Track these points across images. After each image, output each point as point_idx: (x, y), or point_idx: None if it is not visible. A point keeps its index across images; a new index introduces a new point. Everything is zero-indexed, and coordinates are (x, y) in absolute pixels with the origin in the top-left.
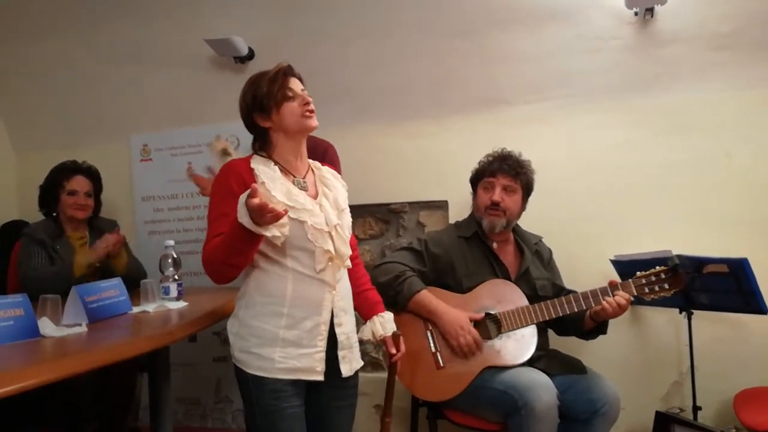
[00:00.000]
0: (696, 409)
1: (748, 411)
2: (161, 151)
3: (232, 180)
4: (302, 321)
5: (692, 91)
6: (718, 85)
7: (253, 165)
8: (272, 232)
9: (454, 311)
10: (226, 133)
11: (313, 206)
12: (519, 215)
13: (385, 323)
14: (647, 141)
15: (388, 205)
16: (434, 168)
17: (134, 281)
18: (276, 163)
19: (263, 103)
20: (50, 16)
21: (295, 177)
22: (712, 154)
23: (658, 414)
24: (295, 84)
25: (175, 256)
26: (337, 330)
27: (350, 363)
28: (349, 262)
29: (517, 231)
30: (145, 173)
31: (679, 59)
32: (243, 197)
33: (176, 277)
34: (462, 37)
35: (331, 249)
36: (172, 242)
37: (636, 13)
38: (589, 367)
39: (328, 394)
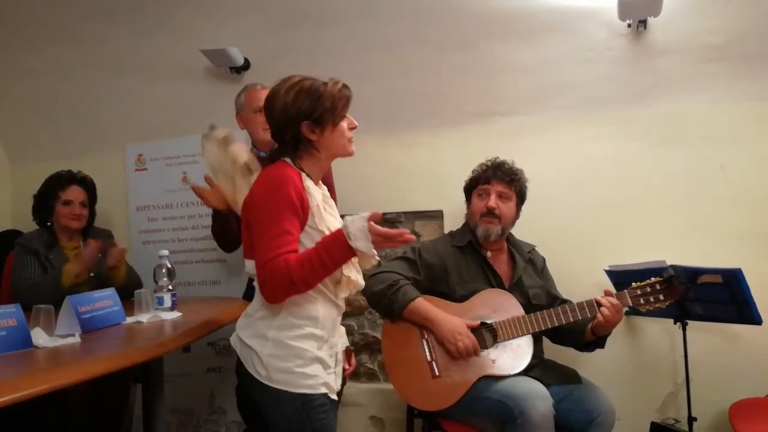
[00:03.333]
0: (691, 419)
1: (743, 422)
2: (156, 161)
3: (293, 192)
4: (327, 341)
5: (686, 102)
6: (712, 97)
7: (306, 183)
8: (377, 258)
9: (451, 318)
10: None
11: None
12: (513, 223)
13: (342, 336)
14: (641, 152)
15: (383, 215)
16: (429, 178)
17: (130, 291)
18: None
19: (322, 116)
20: (45, 27)
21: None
22: (707, 165)
23: (653, 425)
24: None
25: (169, 266)
26: (336, 349)
27: (339, 377)
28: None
29: (510, 240)
30: (140, 183)
31: (672, 71)
32: (362, 222)
33: (170, 287)
34: (457, 50)
35: (353, 276)
36: (166, 252)
37: (629, 25)
38: (585, 377)
39: None
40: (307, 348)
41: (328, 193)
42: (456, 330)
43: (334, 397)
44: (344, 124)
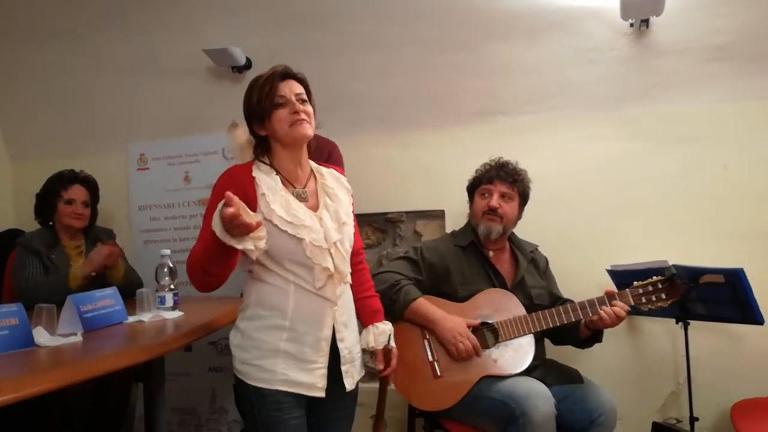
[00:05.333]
0: (693, 419)
1: (745, 422)
2: (158, 161)
3: (231, 188)
4: (304, 335)
5: (688, 102)
6: (714, 96)
7: (254, 174)
8: (245, 244)
9: (452, 317)
10: (223, 143)
11: (312, 221)
12: (515, 223)
13: (378, 335)
14: (644, 151)
15: (385, 214)
16: (431, 178)
17: (131, 291)
18: (277, 172)
19: (255, 111)
20: (48, 25)
21: (295, 188)
22: (709, 165)
23: (654, 424)
24: (287, 88)
25: (171, 265)
26: (340, 345)
27: (352, 376)
28: (349, 278)
29: (512, 239)
30: (142, 182)
31: (674, 70)
32: (220, 205)
33: (172, 286)
34: (459, 49)
35: (330, 266)
36: (168, 251)
37: (631, 25)
38: (586, 377)
39: (329, 406)
40: (267, 339)
41: (329, 183)
42: (456, 330)
43: (312, 393)
44: (283, 110)
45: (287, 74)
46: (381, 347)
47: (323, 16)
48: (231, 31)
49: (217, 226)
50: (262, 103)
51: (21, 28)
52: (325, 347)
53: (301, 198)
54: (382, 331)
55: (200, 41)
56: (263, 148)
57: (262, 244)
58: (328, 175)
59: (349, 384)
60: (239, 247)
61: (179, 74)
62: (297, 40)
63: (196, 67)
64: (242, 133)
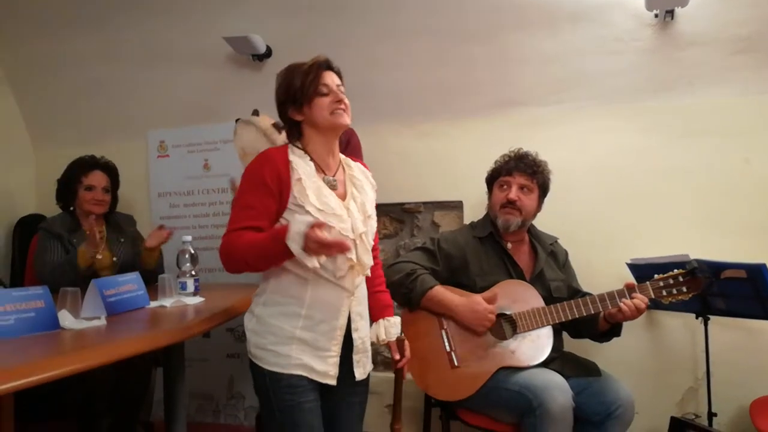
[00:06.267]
0: (711, 415)
1: (765, 419)
2: (178, 148)
3: (266, 171)
4: (319, 324)
5: (711, 95)
6: (738, 89)
7: (291, 158)
8: (314, 263)
9: (468, 299)
10: None
11: (342, 211)
12: (534, 215)
13: (390, 327)
14: (665, 144)
15: (402, 204)
16: (449, 168)
17: (154, 277)
18: (311, 158)
19: (296, 96)
20: (70, 14)
21: (325, 175)
22: (731, 158)
23: (672, 419)
24: (330, 78)
25: (192, 251)
26: (354, 335)
27: (364, 366)
28: (368, 271)
29: (532, 232)
30: (162, 169)
31: (698, 62)
32: (301, 225)
33: (194, 272)
34: (478, 39)
35: (354, 257)
36: (189, 238)
37: (656, 15)
38: (604, 370)
39: (340, 393)
40: (283, 326)
41: (357, 174)
42: (473, 308)
43: (324, 380)
44: (324, 98)
45: (329, 65)
46: (394, 339)
47: (342, 5)
48: (251, 20)
49: (295, 243)
50: (305, 89)
51: (43, 17)
52: (340, 336)
53: (331, 186)
54: (394, 323)
55: (221, 29)
56: (297, 133)
57: (324, 260)
58: (356, 167)
59: (360, 374)
60: (310, 265)
61: (199, 62)
62: (317, 30)
63: (216, 54)
64: (265, 118)
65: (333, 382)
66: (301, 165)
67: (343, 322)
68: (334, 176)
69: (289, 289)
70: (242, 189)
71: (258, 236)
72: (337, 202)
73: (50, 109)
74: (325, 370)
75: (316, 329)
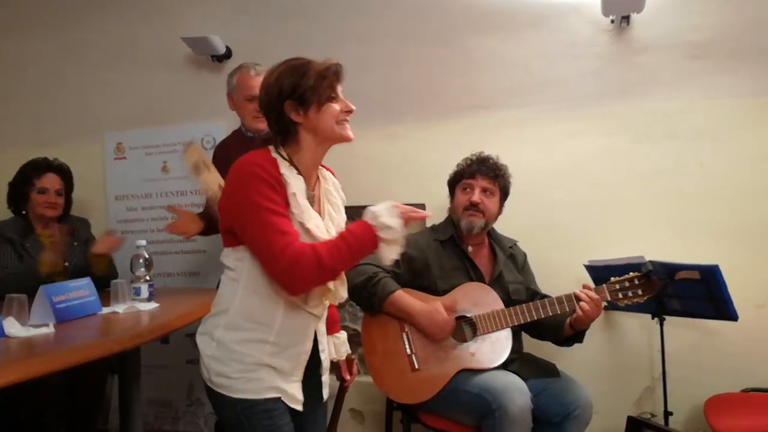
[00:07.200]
0: (667, 414)
1: (718, 417)
2: (136, 150)
3: (265, 174)
4: (286, 349)
5: (667, 99)
6: (693, 94)
7: (282, 171)
8: (394, 255)
9: (429, 305)
10: (202, 132)
11: (325, 233)
12: (496, 218)
13: (339, 346)
14: (623, 148)
15: (365, 207)
16: (411, 171)
17: (106, 282)
18: (297, 171)
19: (305, 95)
20: (24, 12)
21: (307, 188)
22: (686, 161)
23: (629, 419)
24: (341, 87)
25: (147, 256)
26: (322, 356)
27: (327, 385)
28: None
29: (492, 234)
30: (119, 172)
31: (654, 67)
32: (381, 206)
33: (148, 277)
34: (443, 43)
35: (331, 287)
36: (144, 242)
37: (612, 21)
38: (563, 370)
39: (306, 412)
40: (250, 353)
41: (332, 189)
42: (432, 318)
43: (292, 404)
44: (335, 105)
45: (341, 75)
46: (344, 357)
47: (305, 6)
48: (210, 20)
49: (394, 217)
50: (320, 90)
51: (1, 18)
52: (304, 360)
53: (311, 201)
54: (343, 341)
55: (179, 29)
56: (286, 137)
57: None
58: (330, 180)
59: (326, 394)
60: (394, 256)
61: (158, 62)
62: (277, 31)
63: (175, 55)
64: (194, 150)
65: (299, 407)
66: (292, 179)
67: (309, 346)
68: (312, 190)
69: (255, 313)
70: (257, 200)
71: (334, 240)
72: (321, 225)
73: (2, 110)
74: (293, 393)
75: (282, 355)
